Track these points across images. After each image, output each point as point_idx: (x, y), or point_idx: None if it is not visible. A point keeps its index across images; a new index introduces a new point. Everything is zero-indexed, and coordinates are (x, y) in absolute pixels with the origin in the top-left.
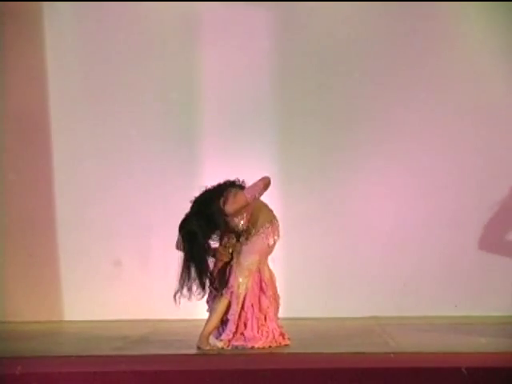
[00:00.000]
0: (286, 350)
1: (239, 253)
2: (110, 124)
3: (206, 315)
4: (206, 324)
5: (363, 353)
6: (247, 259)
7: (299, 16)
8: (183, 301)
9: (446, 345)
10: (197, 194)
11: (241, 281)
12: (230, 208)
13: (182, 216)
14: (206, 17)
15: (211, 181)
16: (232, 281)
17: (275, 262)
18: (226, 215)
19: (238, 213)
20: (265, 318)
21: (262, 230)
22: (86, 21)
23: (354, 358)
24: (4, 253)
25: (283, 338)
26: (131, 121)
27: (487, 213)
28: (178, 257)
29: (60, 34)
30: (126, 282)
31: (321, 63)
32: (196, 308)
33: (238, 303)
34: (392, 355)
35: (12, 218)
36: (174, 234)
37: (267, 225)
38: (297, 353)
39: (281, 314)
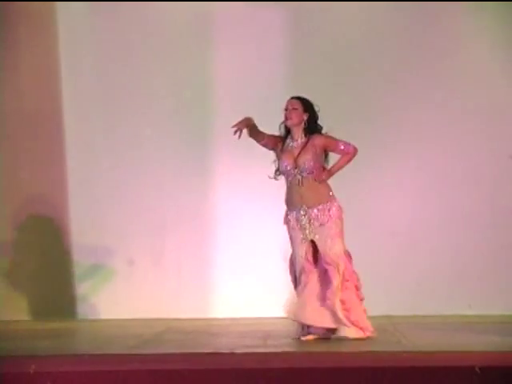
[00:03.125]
0: (300, 349)
1: None
2: (124, 123)
3: (217, 314)
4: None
5: (376, 351)
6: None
7: (313, 16)
8: (197, 300)
9: (460, 344)
10: None
11: None
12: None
13: (196, 215)
14: (220, 16)
15: (224, 180)
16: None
17: (286, 262)
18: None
19: (326, 145)
20: None
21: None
22: (100, 20)
23: (367, 356)
24: (19, 252)
25: None
26: (145, 120)
27: (501, 211)
28: (190, 256)
29: (74, 33)
30: (140, 281)
31: (334, 62)
32: (208, 307)
33: None
34: (405, 354)
35: (26, 218)
36: (188, 233)
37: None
38: (308, 352)
39: None
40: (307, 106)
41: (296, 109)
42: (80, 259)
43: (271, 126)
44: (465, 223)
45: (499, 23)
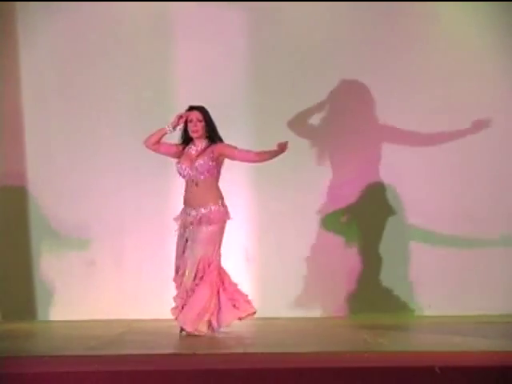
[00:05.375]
0: (264, 350)
1: None
2: (83, 124)
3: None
4: None
5: (336, 352)
6: None
7: (273, 16)
8: (158, 301)
9: (420, 344)
10: None
11: None
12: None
13: (156, 216)
14: (180, 16)
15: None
16: None
17: (249, 262)
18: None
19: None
20: None
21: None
22: (60, 20)
23: (325, 357)
24: None
25: None
26: (105, 120)
27: (462, 211)
28: (150, 257)
29: (33, 33)
30: (100, 282)
31: (295, 63)
32: (169, 308)
33: None
34: (366, 354)
35: None
36: (148, 234)
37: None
38: (265, 353)
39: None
40: (207, 115)
41: (201, 121)
42: (40, 260)
43: (232, 125)
44: (425, 223)
45: (469, 23)
